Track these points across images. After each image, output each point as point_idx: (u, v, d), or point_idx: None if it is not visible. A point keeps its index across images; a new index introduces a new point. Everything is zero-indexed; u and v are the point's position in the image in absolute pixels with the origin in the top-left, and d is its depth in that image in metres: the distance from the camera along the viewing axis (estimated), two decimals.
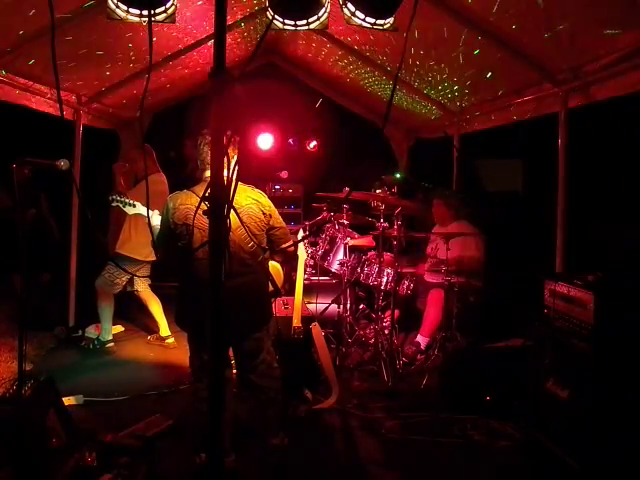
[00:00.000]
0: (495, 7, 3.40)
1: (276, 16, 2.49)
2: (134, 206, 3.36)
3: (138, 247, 4.76)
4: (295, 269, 3.69)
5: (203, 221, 2.62)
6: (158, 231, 2.89)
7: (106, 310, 4.79)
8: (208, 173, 2.84)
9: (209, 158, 2.83)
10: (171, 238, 2.80)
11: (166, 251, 2.86)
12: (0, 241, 4.67)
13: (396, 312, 4.65)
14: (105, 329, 4.82)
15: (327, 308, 4.72)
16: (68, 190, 4.99)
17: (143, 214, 3.36)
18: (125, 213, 4.71)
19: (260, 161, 6.97)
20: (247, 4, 4.59)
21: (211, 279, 1.33)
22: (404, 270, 4.96)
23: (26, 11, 3.22)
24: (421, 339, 4.65)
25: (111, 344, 4.84)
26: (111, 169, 4.83)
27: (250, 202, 2.86)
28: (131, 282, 4.98)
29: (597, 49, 3.36)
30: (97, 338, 4.86)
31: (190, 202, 2.77)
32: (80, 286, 5.33)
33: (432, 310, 4.63)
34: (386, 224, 4.48)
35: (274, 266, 3.16)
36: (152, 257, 4.79)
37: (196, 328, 2.83)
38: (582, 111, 3.82)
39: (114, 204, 3.35)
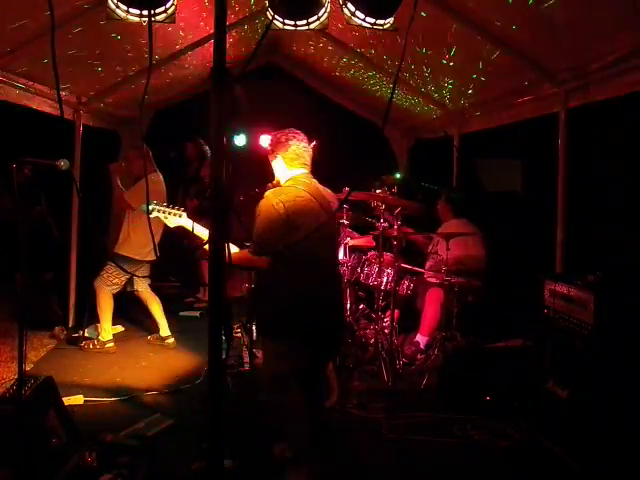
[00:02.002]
0: (495, 7, 3.40)
1: (276, 16, 2.49)
2: (180, 216, 2.83)
3: (137, 247, 4.76)
4: None
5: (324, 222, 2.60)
6: (261, 232, 2.59)
7: (106, 310, 4.78)
8: (303, 170, 2.82)
9: (307, 156, 2.85)
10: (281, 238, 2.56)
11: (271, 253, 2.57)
12: (5, 241, 4.67)
13: (396, 312, 4.65)
14: (105, 329, 4.82)
15: None
16: (68, 190, 4.99)
17: (187, 226, 2.84)
18: (137, 215, 4.70)
19: (260, 161, 6.96)
20: (248, 4, 4.59)
21: (211, 280, 1.33)
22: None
23: (26, 11, 3.23)
24: (420, 338, 4.65)
25: (111, 344, 4.83)
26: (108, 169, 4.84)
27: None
28: (131, 282, 4.98)
29: (597, 49, 3.36)
30: (97, 338, 4.86)
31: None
32: (80, 286, 5.33)
33: (430, 309, 4.63)
34: (386, 224, 4.48)
35: None
36: (151, 257, 4.79)
37: (314, 336, 2.65)
38: (582, 111, 3.82)
39: (154, 215, 2.80)
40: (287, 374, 2.67)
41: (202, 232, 2.74)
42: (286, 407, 2.69)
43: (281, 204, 2.58)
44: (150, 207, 2.77)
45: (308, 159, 2.88)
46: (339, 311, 2.94)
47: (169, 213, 2.81)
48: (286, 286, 2.61)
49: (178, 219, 2.82)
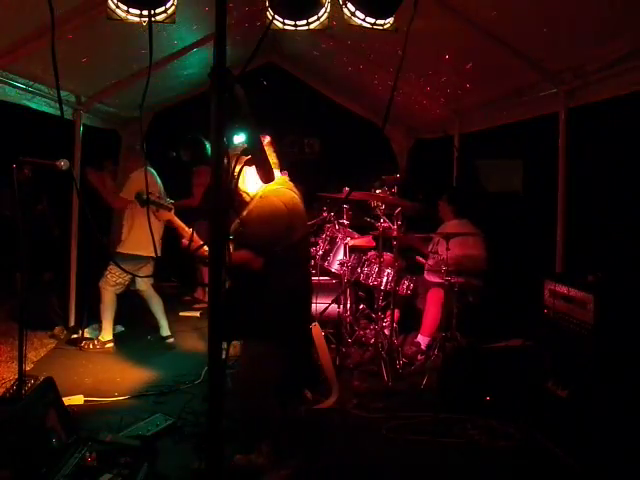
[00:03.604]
0: (495, 7, 3.40)
1: (276, 16, 2.49)
2: (170, 209, 2.80)
3: (140, 244, 4.72)
4: None
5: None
6: (267, 233, 2.62)
7: (108, 310, 4.78)
8: (279, 172, 2.86)
9: (274, 155, 2.83)
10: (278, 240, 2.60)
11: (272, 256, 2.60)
12: (6, 241, 4.67)
13: (396, 312, 4.65)
14: (105, 329, 4.82)
15: (327, 308, 4.71)
16: (68, 190, 4.98)
17: (178, 224, 2.84)
18: (135, 214, 4.70)
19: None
20: (247, 4, 4.59)
21: (211, 280, 1.33)
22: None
23: (26, 11, 3.23)
24: (422, 339, 4.65)
25: (111, 344, 4.84)
26: (107, 169, 4.85)
27: None
28: (134, 280, 4.98)
29: (597, 49, 3.36)
30: (97, 338, 4.86)
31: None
32: (80, 286, 5.33)
33: (432, 309, 4.63)
34: (386, 224, 4.48)
35: None
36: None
37: (299, 334, 2.86)
38: (582, 111, 3.82)
39: (151, 205, 2.74)
40: (273, 377, 2.67)
41: (184, 228, 2.80)
42: (268, 412, 2.68)
43: (283, 205, 2.63)
44: (145, 197, 2.74)
45: (276, 158, 2.89)
46: (310, 307, 3.08)
47: (160, 206, 2.76)
48: (279, 286, 2.63)
49: (167, 213, 2.78)
